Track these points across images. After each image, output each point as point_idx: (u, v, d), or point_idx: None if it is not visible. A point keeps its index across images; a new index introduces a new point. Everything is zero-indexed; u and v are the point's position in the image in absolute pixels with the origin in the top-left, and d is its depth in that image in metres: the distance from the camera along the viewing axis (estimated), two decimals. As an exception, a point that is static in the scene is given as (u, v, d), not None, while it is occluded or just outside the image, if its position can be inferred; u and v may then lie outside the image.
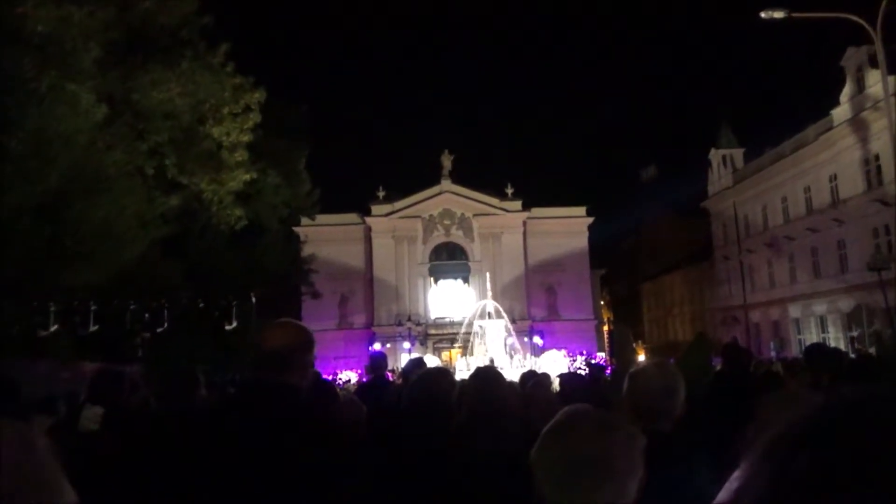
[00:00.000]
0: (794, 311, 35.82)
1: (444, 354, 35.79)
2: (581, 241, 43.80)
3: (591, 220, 44.29)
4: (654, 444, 1.51)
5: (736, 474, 0.48)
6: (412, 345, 34.67)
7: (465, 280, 43.51)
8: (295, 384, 2.27)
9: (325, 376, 9.46)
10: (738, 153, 42.93)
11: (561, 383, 8.30)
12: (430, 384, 3.23)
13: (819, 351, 5.10)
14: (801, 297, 34.87)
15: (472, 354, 21.83)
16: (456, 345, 24.71)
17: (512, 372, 12.62)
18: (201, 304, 22.24)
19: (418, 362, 6.08)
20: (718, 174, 43.89)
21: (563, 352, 23.90)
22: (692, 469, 2.10)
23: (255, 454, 2.08)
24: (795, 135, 35.40)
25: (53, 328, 17.78)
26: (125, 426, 3.25)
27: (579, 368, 20.98)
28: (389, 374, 9.91)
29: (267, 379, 2.25)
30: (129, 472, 2.80)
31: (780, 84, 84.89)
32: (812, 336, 33.16)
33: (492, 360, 19.05)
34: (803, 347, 12.33)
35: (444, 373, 3.45)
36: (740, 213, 41.31)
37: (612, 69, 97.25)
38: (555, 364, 20.23)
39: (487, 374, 3.08)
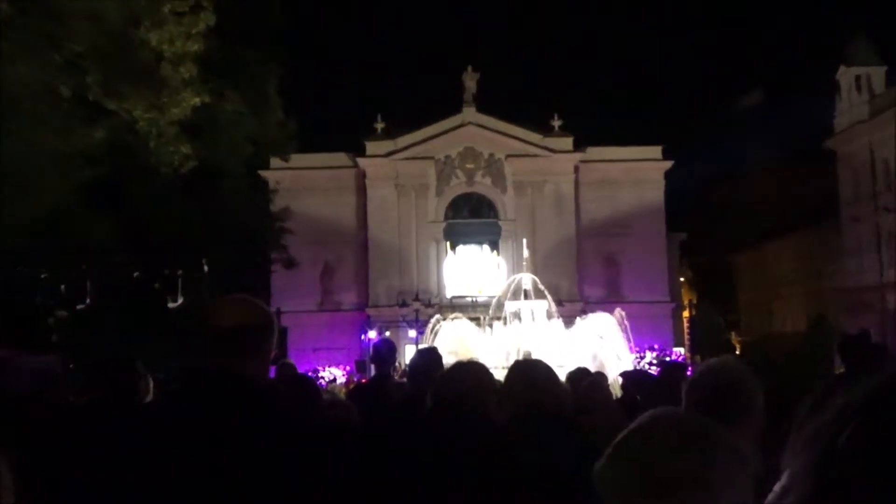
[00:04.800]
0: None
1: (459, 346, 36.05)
2: (655, 194, 43.61)
3: (668, 164, 44.01)
4: None
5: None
6: (419, 333, 34.87)
7: (494, 246, 43.61)
8: (252, 374, 2.36)
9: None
10: (877, 73, 42.17)
11: (625, 385, 8.33)
12: (470, 380, 3.29)
13: None
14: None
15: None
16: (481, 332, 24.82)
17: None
18: (136, 274, 22.45)
19: (431, 356, 6.11)
20: (849, 102, 43.23)
21: (613, 318, 23.64)
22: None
23: (202, 469, 2.12)
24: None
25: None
26: (21, 431, 3.32)
27: (650, 365, 21.04)
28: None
29: (218, 367, 2.33)
30: (32, 488, 2.87)
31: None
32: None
33: (528, 354, 19.16)
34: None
35: (482, 368, 3.55)
36: (878, 156, 40.71)
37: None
38: (604, 349, 20.13)
39: (535, 370, 3.19)
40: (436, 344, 19.69)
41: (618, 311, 24.97)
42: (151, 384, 4.51)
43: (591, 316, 24.83)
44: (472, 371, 3.40)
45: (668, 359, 27.00)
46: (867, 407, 0.62)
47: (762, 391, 2.69)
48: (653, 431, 1.46)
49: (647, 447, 1.44)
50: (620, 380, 8.88)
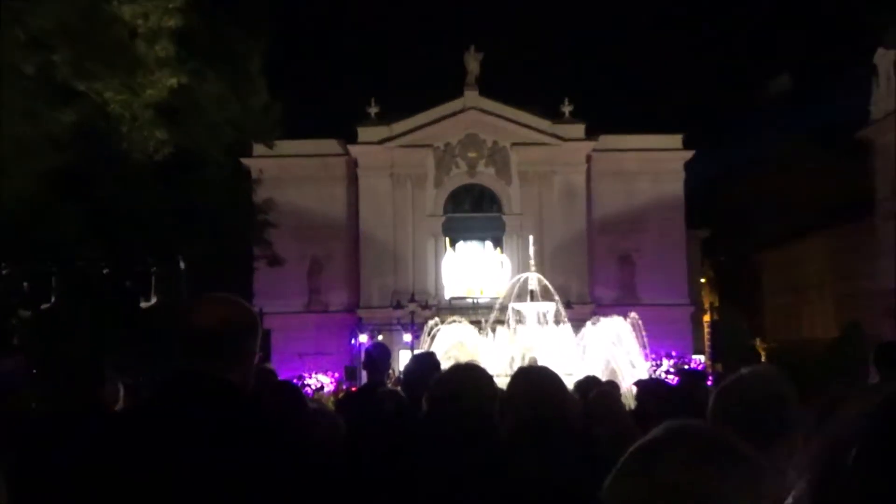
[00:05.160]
0: None
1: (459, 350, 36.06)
2: (674, 187, 43.59)
3: (689, 155, 43.96)
4: None
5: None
6: (415, 337, 34.88)
7: (497, 242, 43.57)
8: (235, 381, 2.36)
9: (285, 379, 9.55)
10: (917, 56, 42.13)
11: (639, 395, 8.34)
12: (468, 382, 3.32)
13: None
14: None
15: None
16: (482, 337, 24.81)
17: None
18: (106, 270, 22.43)
19: (428, 362, 6.11)
20: (887, 88, 43.19)
21: (628, 322, 23.77)
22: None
23: (177, 486, 2.11)
24: None
25: None
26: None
27: (667, 373, 21.06)
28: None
29: (196, 372, 2.32)
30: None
31: None
32: None
33: (533, 360, 19.15)
34: None
35: (483, 372, 3.57)
36: (918, 148, 40.72)
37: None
38: (617, 356, 20.18)
39: (540, 376, 3.22)
40: (433, 349, 19.71)
41: (632, 314, 24.97)
42: (122, 391, 4.51)
43: (603, 320, 24.81)
44: (470, 373, 3.41)
45: (686, 367, 27.01)
46: (870, 430, 0.63)
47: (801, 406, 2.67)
48: (666, 444, 1.45)
49: (659, 461, 1.42)
50: (634, 389, 8.88)
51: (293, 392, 5.74)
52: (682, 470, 1.40)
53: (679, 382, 10.07)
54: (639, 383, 9.03)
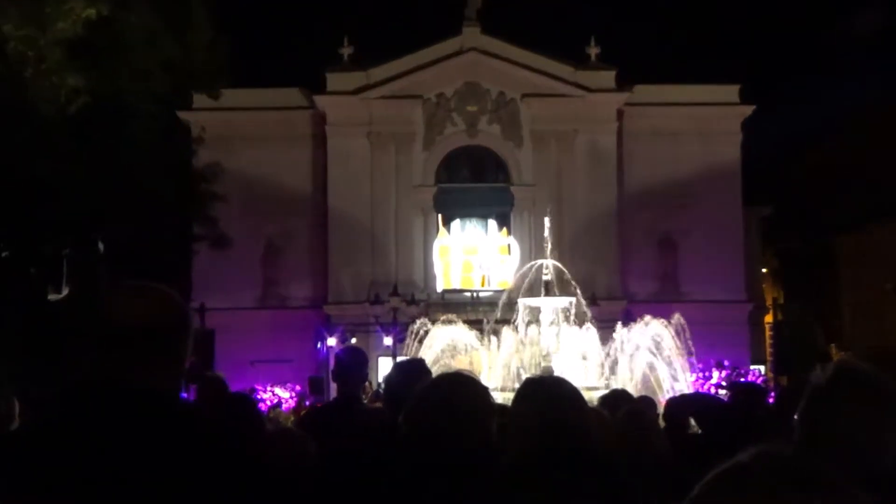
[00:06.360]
0: None
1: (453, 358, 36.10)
2: (729, 152, 43.76)
3: (748, 111, 44.14)
4: None
5: None
6: (397, 340, 34.93)
7: (504, 221, 43.71)
8: (162, 392, 2.39)
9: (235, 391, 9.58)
10: None
11: (668, 414, 8.37)
12: (457, 399, 3.31)
13: None
14: None
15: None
16: (483, 342, 24.85)
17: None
18: (5, 254, 22.44)
19: (415, 371, 6.14)
20: None
21: (670, 325, 23.99)
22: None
23: None
24: None
25: None
26: None
27: (718, 388, 21.06)
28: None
29: (111, 380, 2.34)
30: None
31: None
32: None
33: (548, 370, 19.23)
34: None
35: (475, 384, 3.56)
36: None
37: None
38: (655, 366, 20.23)
39: (555, 391, 3.23)
40: (421, 356, 19.75)
41: (677, 316, 25.05)
42: (17, 406, 4.49)
43: (637, 322, 24.88)
44: (460, 385, 3.39)
45: (743, 380, 27.13)
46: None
47: None
48: (754, 472, 1.55)
49: (745, 491, 1.52)
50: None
51: (247, 406, 5.74)
52: (771, 501, 1.50)
53: (731, 399, 10.14)
54: (672, 402, 9.04)
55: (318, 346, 39.06)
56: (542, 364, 21.22)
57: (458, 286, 42.54)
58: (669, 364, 23.52)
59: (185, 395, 11.83)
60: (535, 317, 23.49)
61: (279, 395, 33.42)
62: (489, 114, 43.44)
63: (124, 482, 2.16)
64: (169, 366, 2.45)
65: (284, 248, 42.96)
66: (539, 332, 22.98)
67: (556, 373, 17.50)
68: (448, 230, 43.71)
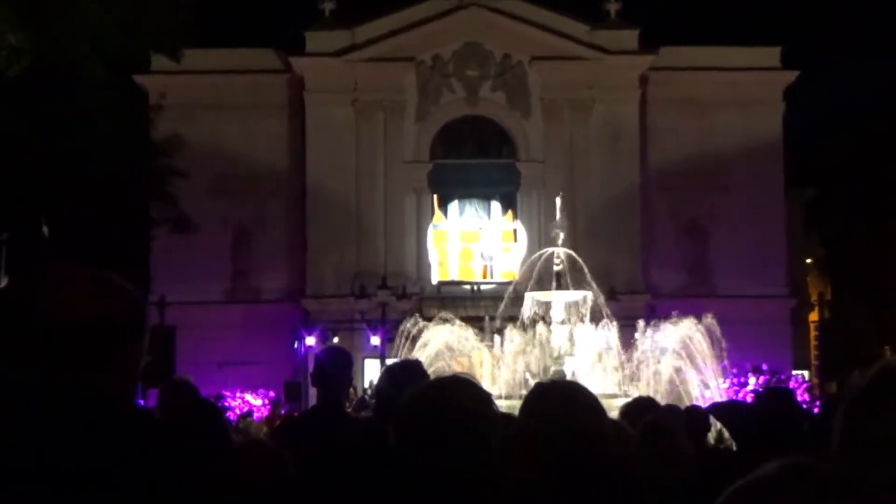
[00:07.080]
0: None
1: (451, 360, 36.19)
2: (769, 124, 43.83)
3: (790, 77, 44.17)
4: None
5: None
6: (386, 339, 34.98)
7: (509, 203, 43.77)
8: (110, 396, 2.35)
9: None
10: None
11: (691, 422, 8.44)
12: (455, 406, 3.30)
13: None
14: None
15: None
16: (484, 342, 24.87)
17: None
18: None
19: (409, 376, 6.16)
20: None
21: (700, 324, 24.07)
22: None
23: None
24: None
25: None
26: None
27: (752, 392, 21.02)
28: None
29: (52, 383, 2.30)
30: None
31: None
32: None
33: (560, 375, 19.27)
34: None
35: (475, 388, 3.53)
36: None
37: None
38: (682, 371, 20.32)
39: (568, 398, 3.23)
40: (415, 357, 19.77)
41: (710, 316, 25.05)
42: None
43: (662, 320, 24.93)
44: (458, 390, 3.41)
45: (783, 386, 27.19)
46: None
47: None
48: (781, 485, 1.56)
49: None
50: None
51: (212, 415, 5.76)
52: None
53: (756, 405, 10.15)
54: (716, 408, 9.07)
55: (296, 346, 39.13)
56: (553, 368, 21.23)
57: (455, 278, 42.67)
58: (700, 369, 23.57)
59: (141, 401, 11.87)
60: (544, 313, 23.51)
61: (250, 403, 33.47)
62: (492, 79, 43.46)
63: (55, 501, 2.14)
64: (118, 368, 2.40)
65: (256, 234, 43.00)
66: (549, 331, 22.99)
67: (569, 378, 17.51)
68: (445, 213, 43.79)
